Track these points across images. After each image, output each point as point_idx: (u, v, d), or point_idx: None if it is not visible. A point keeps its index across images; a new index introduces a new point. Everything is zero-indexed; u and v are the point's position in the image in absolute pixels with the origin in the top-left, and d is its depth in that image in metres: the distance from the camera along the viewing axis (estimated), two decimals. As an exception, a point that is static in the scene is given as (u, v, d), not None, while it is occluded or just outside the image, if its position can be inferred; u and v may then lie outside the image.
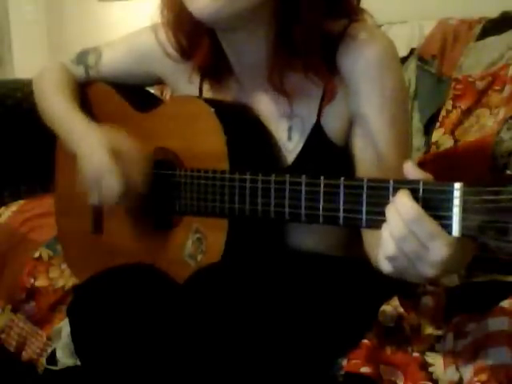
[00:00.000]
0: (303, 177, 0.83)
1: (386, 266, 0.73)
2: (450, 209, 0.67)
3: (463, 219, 0.67)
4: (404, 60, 1.54)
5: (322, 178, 0.81)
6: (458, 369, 0.88)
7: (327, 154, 1.00)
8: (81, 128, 1.10)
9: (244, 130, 1.01)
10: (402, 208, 0.69)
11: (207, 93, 1.10)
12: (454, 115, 1.43)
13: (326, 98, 0.98)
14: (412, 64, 1.55)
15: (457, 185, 0.67)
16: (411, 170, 0.72)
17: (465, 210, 0.66)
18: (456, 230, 0.67)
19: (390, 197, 0.73)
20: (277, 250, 1.03)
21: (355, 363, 0.91)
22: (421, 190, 0.70)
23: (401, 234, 0.69)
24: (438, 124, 1.46)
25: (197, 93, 1.10)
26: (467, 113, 1.42)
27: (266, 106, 1.04)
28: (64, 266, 1.42)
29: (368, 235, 0.96)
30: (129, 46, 1.19)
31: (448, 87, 1.47)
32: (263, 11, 0.93)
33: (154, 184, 1.07)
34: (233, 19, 0.91)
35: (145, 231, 1.10)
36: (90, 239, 1.21)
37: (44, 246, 1.49)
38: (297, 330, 0.90)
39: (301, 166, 1.00)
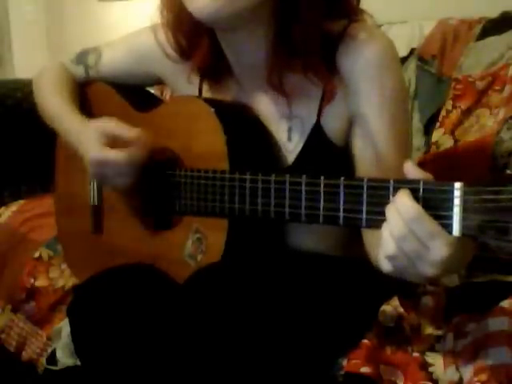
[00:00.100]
0: (303, 177, 0.83)
1: (386, 266, 0.73)
2: (451, 208, 0.67)
3: (463, 219, 0.67)
4: (404, 60, 1.54)
5: (322, 177, 0.81)
6: (457, 369, 0.88)
7: (327, 155, 1.00)
8: (78, 126, 1.09)
9: (244, 130, 1.01)
10: (402, 207, 0.69)
11: (206, 93, 1.10)
12: (454, 115, 1.43)
13: (326, 98, 0.98)
14: (412, 64, 1.55)
15: (457, 184, 0.67)
16: (411, 170, 0.72)
17: (465, 209, 0.66)
18: (456, 229, 0.67)
19: (391, 196, 0.73)
20: (277, 249, 1.03)
21: (355, 363, 0.91)
22: (421, 190, 0.70)
23: (401, 234, 0.69)
24: (438, 124, 1.46)
25: (195, 93, 1.10)
26: (467, 113, 1.42)
27: (265, 106, 1.04)
28: (64, 266, 1.42)
29: (368, 235, 0.96)
30: (129, 46, 1.19)
31: (448, 87, 1.47)
32: (263, 11, 0.93)
33: (154, 184, 1.07)
34: (232, 19, 0.91)
35: (145, 231, 1.10)
36: (90, 239, 1.21)
37: (44, 246, 1.49)
38: (297, 329, 0.90)
39: (301, 167, 1.00)
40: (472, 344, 0.91)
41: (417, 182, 0.71)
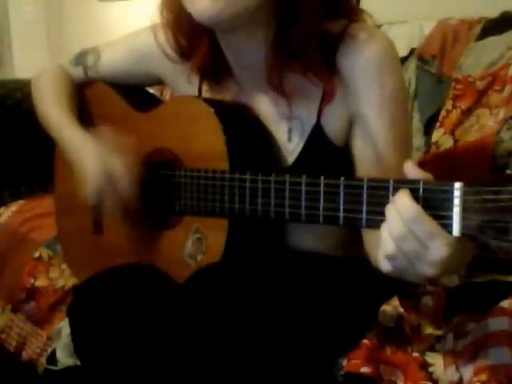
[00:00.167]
0: (303, 177, 0.83)
1: (385, 265, 0.73)
2: (450, 208, 0.67)
3: (463, 219, 0.67)
4: (404, 60, 1.54)
5: (322, 177, 0.81)
6: (457, 369, 0.88)
7: (327, 155, 1.00)
8: (74, 142, 1.09)
9: (244, 130, 1.01)
10: (401, 207, 0.69)
11: (206, 93, 1.10)
12: (454, 115, 1.43)
13: (326, 99, 0.98)
14: (412, 64, 1.55)
15: (457, 184, 0.67)
16: (411, 170, 0.72)
17: (465, 209, 0.66)
18: (456, 229, 0.67)
19: (390, 196, 0.73)
20: (277, 249, 1.03)
21: (355, 363, 0.91)
22: (421, 190, 0.70)
23: (400, 234, 0.69)
24: (438, 124, 1.46)
25: (195, 93, 1.10)
26: (467, 113, 1.42)
27: (265, 107, 1.03)
28: (64, 266, 1.42)
29: (368, 235, 0.96)
30: (129, 46, 1.19)
31: (448, 87, 1.47)
32: (262, 12, 0.93)
33: (153, 184, 1.07)
34: (233, 21, 0.91)
35: (145, 231, 1.10)
36: (90, 239, 1.21)
37: (44, 246, 1.49)
38: (297, 329, 0.90)
39: (301, 167, 1.00)
40: (472, 344, 0.91)
41: (417, 181, 0.71)
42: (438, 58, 1.52)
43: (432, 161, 1.40)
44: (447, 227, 0.68)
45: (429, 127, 1.48)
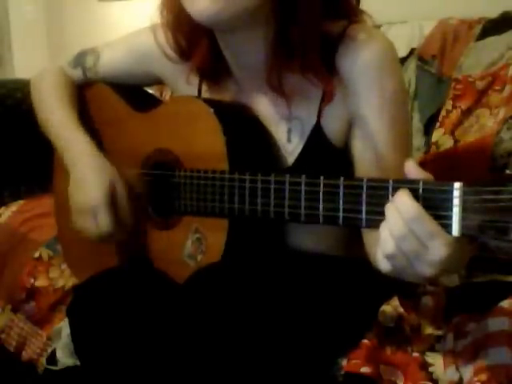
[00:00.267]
0: (303, 177, 0.83)
1: (384, 265, 0.73)
2: (450, 208, 0.67)
3: (463, 219, 0.67)
4: (404, 60, 1.54)
5: (321, 177, 0.81)
6: (457, 369, 0.88)
7: (327, 156, 1.00)
8: (78, 147, 1.09)
9: (244, 131, 1.01)
10: (401, 207, 0.69)
11: (205, 94, 1.10)
12: (454, 115, 1.43)
13: (326, 99, 0.98)
14: (412, 64, 1.55)
15: (456, 184, 0.67)
16: (412, 170, 0.72)
17: (464, 209, 0.66)
18: (456, 229, 0.67)
19: (390, 196, 0.73)
20: (277, 250, 1.03)
21: (355, 363, 0.91)
22: (420, 190, 0.70)
23: (400, 233, 0.69)
24: (438, 124, 1.46)
25: (195, 93, 1.10)
26: (467, 113, 1.42)
27: (264, 107, 1.03)
28: (64, 266, 1.42)
29: (368, 235, 0.95)
30: (128, 46, 1.19)
31: (448, 87, 1.47)
32: (262, 13, 0.93)
33: (153, 184, 1.07)
34: (232, 21, 0.91)
35: (144, 231, 1.10)
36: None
37: (44, 246, 1.49)
38: (297, 329, 0.90)
39: (301, 168, 1.00)
40: (472, 344, 0.91)
41: (416, 181, 0.71)
42: (437, 58, 1.52)
43: (432, 161, 1.40)
44: (447, 227, 0.68)
45: (429, 127, 1.48)
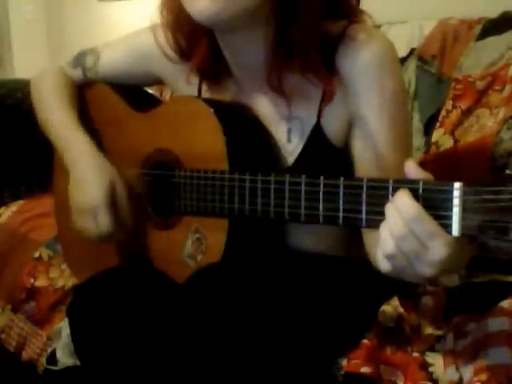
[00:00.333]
0: (303, 177, 0.83)
1: (384, 265, 0.73)
2: (450, 208, 0.67)
3: (463, 219, 0.67)
4: (404, 60, 1.54)
5: (321, 177, 0.81)
6: (457, 369, 0.88)
7: (327, 156, 1.00)
8: (78, 147, 1.09)
9: (244, 131, 1.01)
10: (402, 206, 0.69)
11: (205, 94, 1.10)
12: (454, 115, 1.43)
13: (326, 99, 0.98)
14: (412, 64, 1.55)
15: (456, 184, 0.67)
16: (412, 170, 0.72)
17: (464, 209, 0.66)
18: (456, 229, 0.67)
19: (390, 196, 0.73)
20: (277, 250, 1.03)
21: (355, 363, 0.91)
22: (420, 190, 0.70)
23: (400, 233, 0.69)
24: (438, 124, 1.46)
25: (195, 93, 1.10)
26: (467, 113, 1.42)
27: (264, 107, 1.03)
28: (64, 266, 1.42)
29: (368, 235, 0.95)
30: (128, 47, 1.19)
31: (448, 87, 1.47)
32: (262, 13, 0.93)
33: (153, 184, 1.07)
34: (232, 21, 0.91)
35: (144, 231, 1.10)
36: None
37: (44, 246, 1.49)
38: (297, 329, 0.90)
39: (301, 168, 1.00)
40: (472, 344, 0.91)
41: (416, 181, 0.71)
42: (438, 58, 1.52)
43: (432, 161, 1.40)
44: (447, 227, 0.68)
45: (429, 127, 1.48)
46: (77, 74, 1.23)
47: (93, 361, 0.98)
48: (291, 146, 1.01)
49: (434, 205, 0.69)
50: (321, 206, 0.81)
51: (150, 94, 1.36)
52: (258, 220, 0.91)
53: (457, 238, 0.68)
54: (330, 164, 0.99)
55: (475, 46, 1.48)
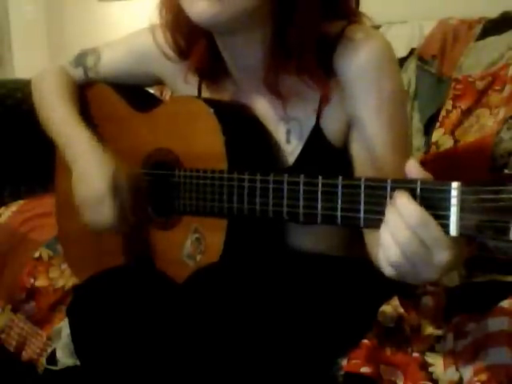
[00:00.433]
0: (301, 176, 0.83)
1: (388, 271, 0.72)
2: (448, 208, 0.67)
3: (461, 218, 0.66)
4: (404, 60, 1.54)
5: (320, 177, 0.81)
6: (457, 369, 0.88)
7: (327, 156, 1.00)
8: (80, 142, 1.10)
9: (243, 131, 1.01)
10: (404, 211, 0.68)
11: (204, 93, 1.10)
12: (454, 115, 1.43)
13: (324, 100, 0.98)
14: (412, 64, 1.55)
15: (454, 184, 0.67)
16: (412, 169, 0.72)
17: (462, 209, 0.66)
18: (454, 229, 0.67)
19: (388, 196, 0.72)
20: (276, 250, 1.03)
21: (355, 363, 0.91)
22: (418, 189, 0.70)
23: (405, 239, 0.68)
24: (438, 124, 1.46)
25: (194, 93, 1.10)
26: (467, 113, 1.42)
27: (263, 108, 1.03)
28: (64, 266, 1.42)
29: (370, 235, 0.95)
30: (128, 47, 1.19)
31: (448, 87, 1.47)
32: (260, 14, 0.93)
33: (153, 184, 1.07)
34: (230, 23, 0.91)
35: (144, 231, 1.10)
36: (91, 239, 1.21)
37: (44, 246, 1.49)
38: (297, 330, 0.90)
39: (300, 168, 0.99)
40: (472, 344, 0.91)
41: (414, 181, 0.70)
42: (438, 58, 1.52)
43: (432, 161, 1.40)
44: (445, 227, 0.67)
45: (429, 127, 1.47)
46: (78, 73, 1.23)
47: (93, 361, 0.98)
48: (290, 147, 1.01)
49: (432, 204, 0.68)
50: (319, 206, 0.81)
51: (151, 94, 1.36)
52: (257, 220, 0.91)
53: (456, 238, 0.68)
54: (329, 164, 0.99)
55: (475, 46, 1.48)
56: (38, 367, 1.39)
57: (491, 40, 1.46)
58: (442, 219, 0.68)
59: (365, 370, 0.89)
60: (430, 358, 0.91)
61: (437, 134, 1.45)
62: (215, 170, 0.96)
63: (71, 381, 1.29)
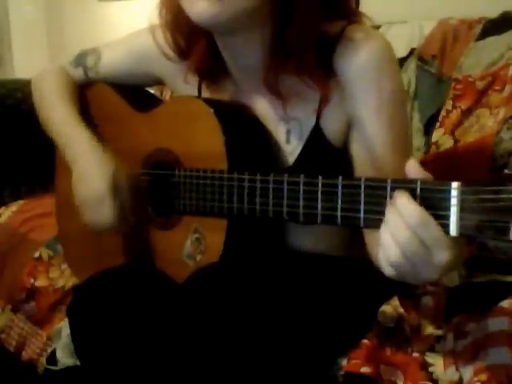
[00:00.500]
0: (301, 176, 0.83)
1: (388, 271, 0.72)
2: (448, 208, 0.67)
3: (461, 218, 0.66)
4: (404, 60, 1.54)
5: (320, 177, 0.81)
6: (457, 369, 0.88)
7: (327, 156, 1.00)
8: (79, 143, 1.10)
9: (243, 131, 1.01)
10: (404, 211, 0.68)
11: (204, 93, 1.10)
12: (454, 115, 1.43)
13: (324, 101, 0.98)
14: (412, 64, 1.55)
15: (454, 184, 0.67)
16: (412, 169, 0.72)
17: (462, 209, 0.66)
18: (454, 229, 0.67)
19: (388, 196, 0.72)
20: (276, 250, 1.03)
21: (355, 363, 0.91)
22: (418, 189, 0.70)
23: (405, 239, 0.68)
24: (438, 124, 1.46)
25: (194, 93, 1.10)
26: (467, 113, 1.42)
27: (263, 108, 1.03)
28: (64, 266, 1.42)
29: (370, 235, 0.95)
30: (128, 48, 1.19)
31: (448, 87, 1.47)
32: (260, 14, 0.93)
33: (153, 184, 1.07)
34: (230, 23, 0.91)
35: (144, 231, 1.10)
36: (91, 239, 1.21)
37: (44, 246, 1.49)
38: (297, 330, 0.90)
39: (300, 168, 0.99)
40: (472, 344, 0.91)
41: (414, 181, 0.70)
42: (438, 58, 1.52)
43: (432, 161, 1.40)
44: (445, 227, 0.67)
45: (429, 127, 1.47)
46: (78, 73, 1.23)
47: (93, 361, 0.98)
48: (290, 147, 1.01)
49: (432, 204, 0.68)
50: (319, 206, 0.81)
51: (151, 94, 1.36)
52: (257, 220, 0.91)
53: (456, 238, 0.68)
54: (329, 165, 0.99)
55: (475, 46, 1.48)
56: (38, 367, 1.39)
57: (491, 40, 1.46)
58: (441, 219, 0.68)
59: (365, 369, 0.89)
60: (430, 357, 0.91)
61: (437, 134, 1.45)
62: (215, 169, 0.96)
63: (71, 381, 1.29)
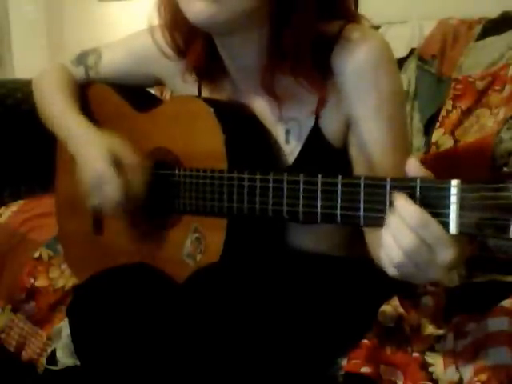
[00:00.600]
0: (301, 175, 0.83)
1: (392, 271, 0.72)
2: (448, 206, 0.67)
3: (461, 216, 0.66)
4: (404, 60, 1.54)
5: (319, 176, 0.81)
6: (457, 369, 0.88)
7: (326, 156, 1.00)
8: (80, 132, 1.10)
9: (243, 130, 1.01)
10: (404, 213, 0.68)
11: (203, 93, 1.10)
12: (454, 115, 1.43)
13: (320, 102, 0.97)
14: (412, 64, 1.54)
15: (454, 182, 0.67)
16: (413, 168, 0.72)
17: (462, 207, 0.66)
18: (453, 227, 0.67)
19: (388, 195, 0.72)
20: (277, 249, 1.03)
21: (355, 363, 0.91)
22: (418, 188, 0.70)
23: (407, 241, 0.68)
24: (438, 124, 1.46)
25: (193, 92, 1.10)
26: (467, 113, 1.42)
27: (261, 108, 1.03)
28: (64, 266, 1.42)
29: (371, 235, 0.95)
30: (127, 49, 1.19)
31: (448, 87, 1.47)
32: (258, 15, 0.93)
33: (153, 184, 1.07)
34: (228, 24, 0.91)
35: (144, 231, 1.10)
36: (91, 239, 1.21)
37: (44, 246, 1.49)
38: (297, 329, 0.90)
39: (300, 168, 0.99)
40: (472, 344, 0.91)
41: (414, 179, 0.70)
42: (437, 58, 1.52)
43: (432, 161, 1.40)
44: (445, 225, 0.67)
45: (429, 127, 1.47)
46: (79, 72, 1.23)
47: (93, 361, 0.98)
48: (289, 147, 1.01)
49: (432, 203, 0.68)
50: (319, 205, 0.81)
51: (151, 94, 1.36)
52: (257, 219, 0.91)
53: (456, 237, 0.68)
54: (329, 165, 0.99)
55: (475, 46, 1.48)
56: (38, 367, 1.39)
57: (491, 40, 1.46)
58: (441, 217, 0.68)
59: (365, 369, 0.89)
60: (430, 357, 0.91)
61: (437, 134, 1.45)
62: (215, 169, 0.96)
63: (71, 381, 1.29)
